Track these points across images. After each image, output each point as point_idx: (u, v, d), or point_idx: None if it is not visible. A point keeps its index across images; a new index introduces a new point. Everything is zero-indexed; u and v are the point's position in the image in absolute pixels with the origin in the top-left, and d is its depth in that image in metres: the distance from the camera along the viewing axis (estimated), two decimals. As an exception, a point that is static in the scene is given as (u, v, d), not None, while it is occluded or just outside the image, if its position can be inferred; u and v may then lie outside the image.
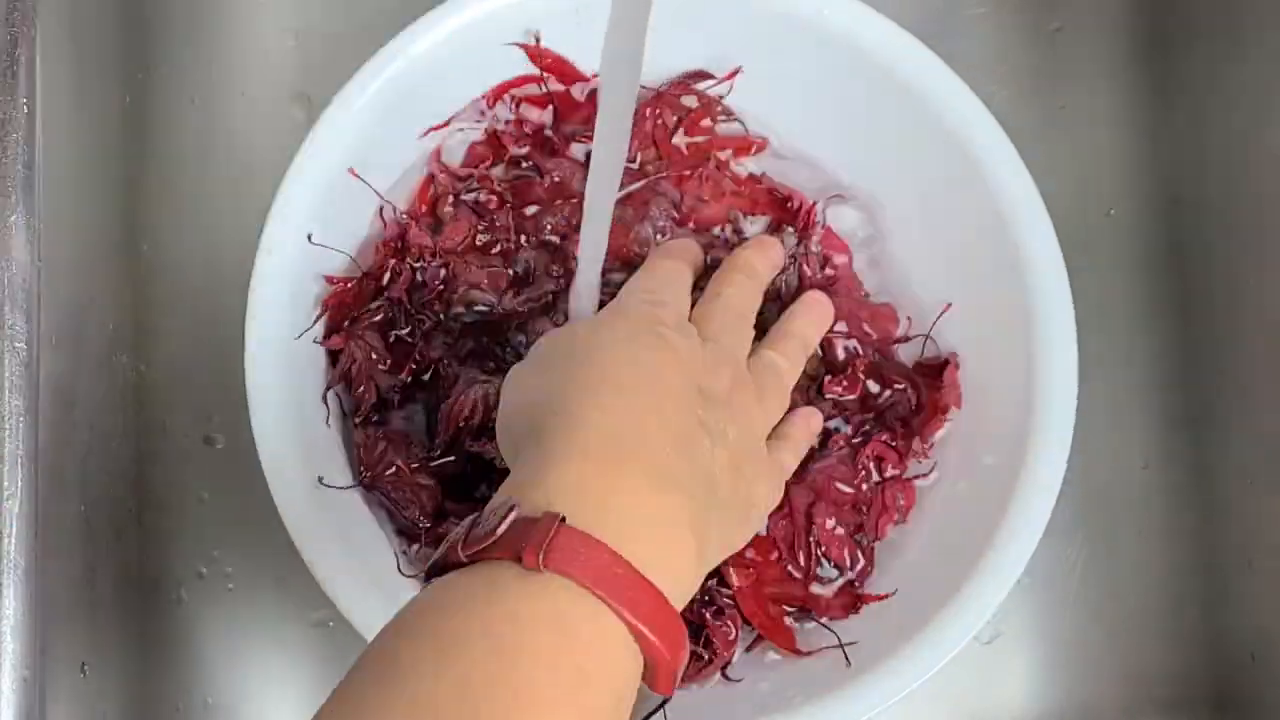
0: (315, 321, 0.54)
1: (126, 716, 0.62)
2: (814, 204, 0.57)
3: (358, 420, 0.54)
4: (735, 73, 0.56)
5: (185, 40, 0.66)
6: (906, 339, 0.57)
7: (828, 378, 0.56)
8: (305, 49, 0.67)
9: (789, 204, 0.58)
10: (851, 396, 0.56)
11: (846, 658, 0.52)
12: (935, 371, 0.56)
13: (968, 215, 0.55)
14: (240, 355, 0.51)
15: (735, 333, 0.51)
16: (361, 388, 0.54)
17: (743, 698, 0.53)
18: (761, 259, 0.54)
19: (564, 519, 0.38)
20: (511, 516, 0.39)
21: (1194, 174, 0.66)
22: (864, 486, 0.55)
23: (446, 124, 0.56)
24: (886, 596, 0.54)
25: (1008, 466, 0.52)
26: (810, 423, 0.55)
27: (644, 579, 0.39)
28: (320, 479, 0.52)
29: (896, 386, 0.56)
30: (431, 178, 0.57)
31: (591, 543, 0.38)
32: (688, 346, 0.47)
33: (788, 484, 0.54)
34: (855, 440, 0.56)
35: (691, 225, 0.57)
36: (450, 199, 0.56)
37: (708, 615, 0.54)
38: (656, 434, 0.43)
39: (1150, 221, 0.67)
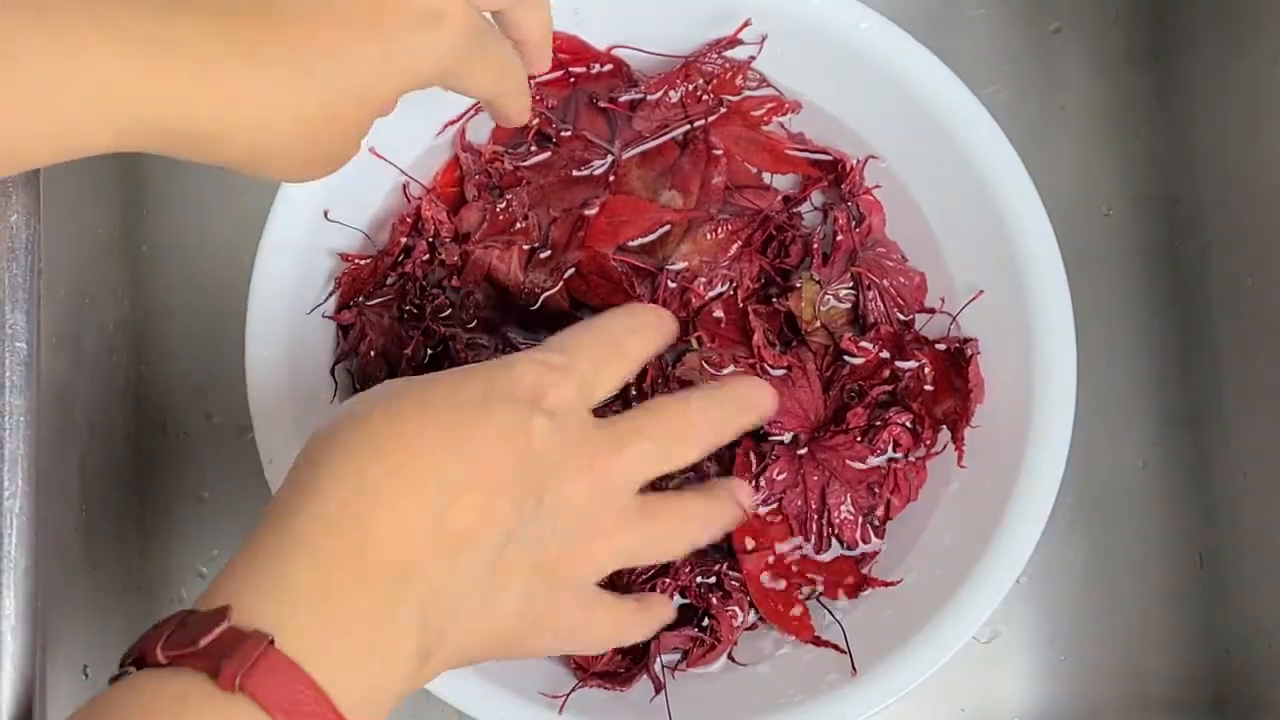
0: (327, 297, 0.54)
1: (126, 716, 0.62)
2: (862, 161, 0.57)
3: None
4: (763, 40, 0.56)
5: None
6: (932, 311, 0.57)
7: (847, 337, 0.56)
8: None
9: (838, 166, 0.57)
10: (860, 360, 0.55)
11: (853, 664, 0.52)
12: (952, 357, 0.56)
13: (966, 216, 0.55)
14: (240, 351, 0.51)
15: (660, 454, 0.43)
16: (370, 363, 0.54)
17: (741, 689, 0.53)
18: (758, 403, 0.47)
19: (272, 640, 0.36)
20: (220, 629, 0.36)
21: (1192, 173, 0.66)
22: (879, 466, 0.55)
23: (464, 118, 0.56)
24: (894, 583, 0.54)
25: (1007, 466, 0.52)
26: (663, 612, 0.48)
27: (338, 714, 0.36)
28: None
29: (913, 362, 0.55)
30: (456, 160, 0.57)
31: (294, 673, 0.36)
32: (549, 435, 0.41)
33: (803, 460, 0.54)
34: (874, 422, 0.55)
35: (721, 179, 0.57)
36: (475, 178, 0.56)
37: (714, 599, 0.54)
38: (419, 536, 0.39)
39: (1149, 221, 0.67)
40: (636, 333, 0.45)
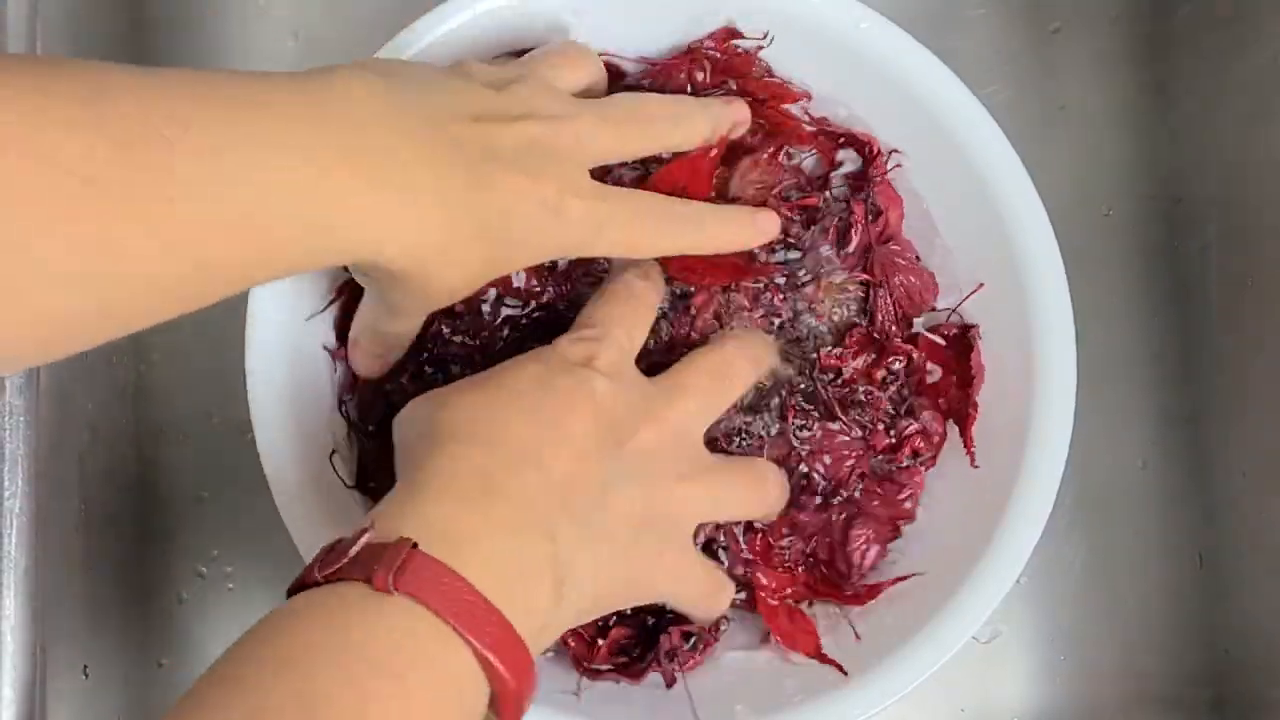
0: (326, 306, 0.53)
1: (127, 716, 0.62)
2: (890, 151, 0.56)
3: (369, 428, 0.54)
4: (766, 35, 0.55)
5: (186, 41, 0.66)
6: (935, 309, 0.57)
7: (824, 350, 0.55)
8: (305, 49, 0.67)
9: (864, 148, 0.57)
10: (848, 369, 0.55)
11: (842, 669, 0.52)
12: (954, 342, 0.55)
13: (966, 215, 0.55)
14: (240, 354, 0.51)
15: (708, 396, 0.50)
16: (370, 396, 0.54)
17: (741, 689, 0.53)
18: (769, 346, 0.54)
19: (416, 545, 0.39)
20: (364, 540, 0.40)
21: (1192, 174, 0.66)
22: (908, 504, 0.55)
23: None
24: (908, 577, 0.54)
25: (1006, 466, 0.52)
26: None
27: (493, 608, 0.39)
28: (333, 464, 0.52)
29: (898, 358, 0.55)
30: None
31: (442, 569, 0.39)
32: (611, 392, 0.46)
33: (832, 504, 0.54)
34: (893, 438, 0.55)
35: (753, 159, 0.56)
36: None
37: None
38: (532, 483, 0.43)
39: (1149, 221, 0.67)
40: (647, 278, 0.51)
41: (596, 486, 0.45)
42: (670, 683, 0.53)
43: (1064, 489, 0.52)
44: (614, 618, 0.53)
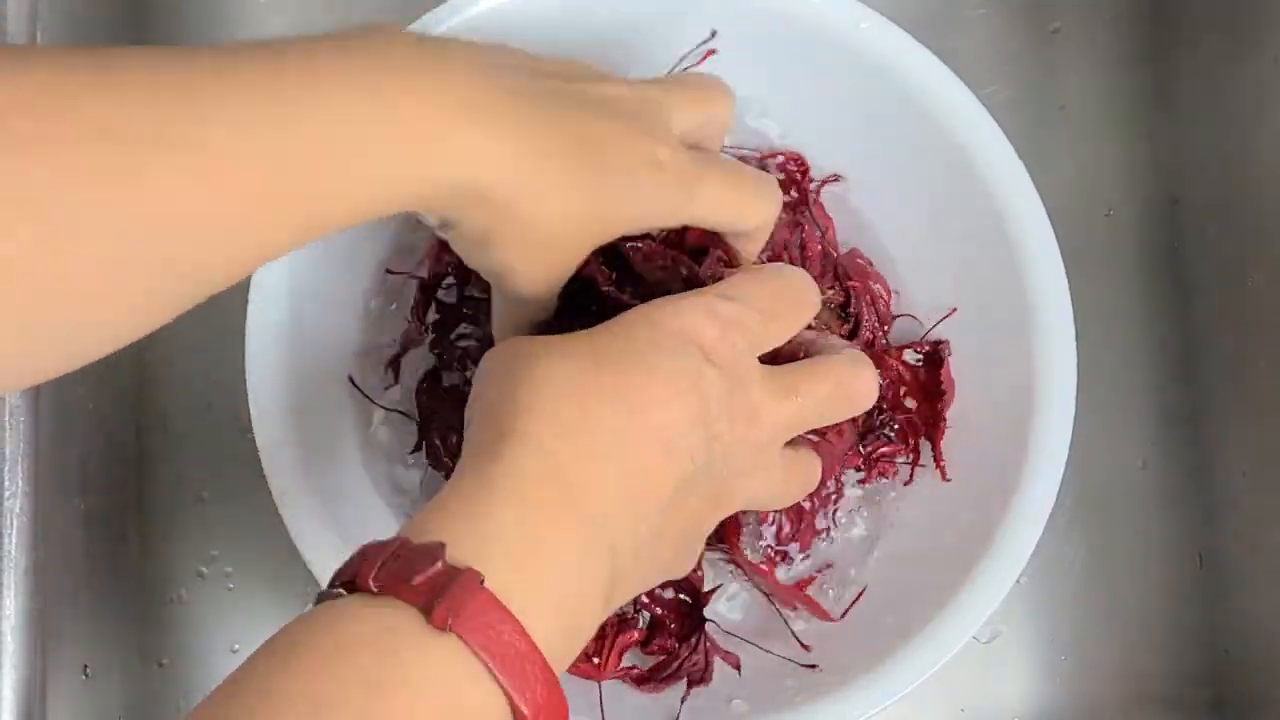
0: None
1: (127, 716, 0.62)
2: (824, 180, 0.57)
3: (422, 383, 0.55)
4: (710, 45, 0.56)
5: (186, 40, 0.66)
6: (901, 315, 0.57)
7: None
8: (305, 49, 0.67)
9: (796, 166, 0.57)
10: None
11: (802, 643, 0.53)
12: (925, 359, 0.56)
13: (967, 216, 0.55)
14: (240, 354, 0.51)
15: (820, 406, 0.46)
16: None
17: (741, 689, 0.53)
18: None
19: (483, 580, 0.37)
20: (435, 569, 0.37)
21: (1192, 174, 0.66)
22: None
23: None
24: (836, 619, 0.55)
25: (1007, 465, 0.52)
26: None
27: (542, 660, 0.37)
28: (350, 378, 0.54)
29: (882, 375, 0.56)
30: None
31: (502, 615, 0.37)
32: (718, 384, 0.42)
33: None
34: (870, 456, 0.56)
35: None
36: None
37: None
38: (608, 491, 0.41)
39: (1149, 221, 0.67)
40: (809, 289, 0.47)
41: (669, 489, 0.42)
42: (737, 665, 0.54)
43: (1064, 489, 0.52)
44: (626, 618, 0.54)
